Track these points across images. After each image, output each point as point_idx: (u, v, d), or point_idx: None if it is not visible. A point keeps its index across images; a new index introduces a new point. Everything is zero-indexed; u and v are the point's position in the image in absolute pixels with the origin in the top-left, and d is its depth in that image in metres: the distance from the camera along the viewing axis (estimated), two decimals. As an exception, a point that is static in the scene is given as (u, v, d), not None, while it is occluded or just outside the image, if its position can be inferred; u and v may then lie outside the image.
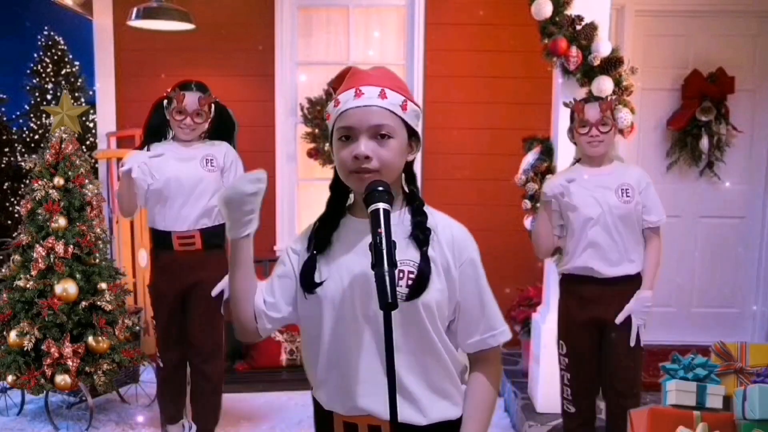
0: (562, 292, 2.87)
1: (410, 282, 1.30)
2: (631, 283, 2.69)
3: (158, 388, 3.27)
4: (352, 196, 1.42)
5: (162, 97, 2.91)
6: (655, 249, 2.69)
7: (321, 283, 1.34)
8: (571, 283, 2.79)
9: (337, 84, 1.39)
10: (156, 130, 2.96)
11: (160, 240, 2.93)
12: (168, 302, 3.00)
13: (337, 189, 1.42)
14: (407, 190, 1.42)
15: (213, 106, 2.96)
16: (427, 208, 1.40)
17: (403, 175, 1.40)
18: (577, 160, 2.83)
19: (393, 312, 1.19)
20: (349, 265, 1.34)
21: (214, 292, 2.83)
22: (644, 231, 2.70)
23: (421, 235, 1.34)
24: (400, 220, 1.37)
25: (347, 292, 1.33)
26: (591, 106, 2.63)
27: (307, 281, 1.35)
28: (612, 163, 2.73)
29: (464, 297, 1.37)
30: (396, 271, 1.19)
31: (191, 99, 2.82)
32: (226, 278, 2.61)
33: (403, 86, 1.37)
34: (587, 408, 2.85)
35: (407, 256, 1.32)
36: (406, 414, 1.32)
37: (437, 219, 1.39)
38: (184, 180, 2.86)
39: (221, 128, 3.04)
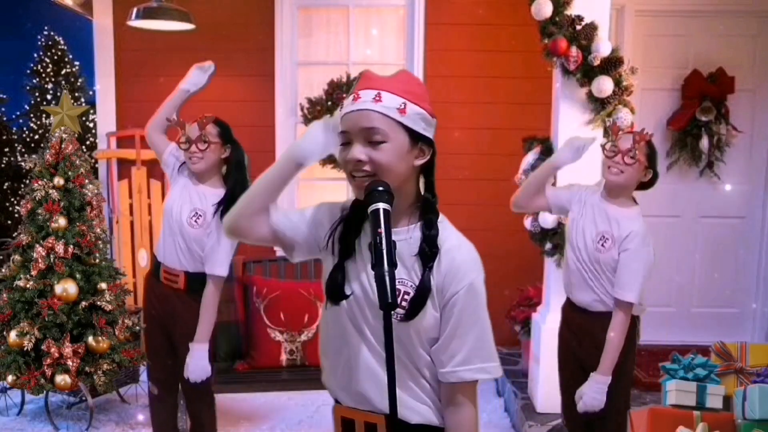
0: (561, 320, 2.81)
1: (405, 303, 1.30)
2: (598, 319, 2.57)
3: (151, 416, 3.13)
4: None
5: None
6: (617, 326, 2.44)
7: (349, 296, 1.34)
8: (566, 308, 2.74)
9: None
10: None
11: (154, 266, 2.91)
12: (157, 330, 2.94)
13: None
14: (421, 200, 1.38)
15: (228, 146, 2.84)
16: (442, 224, 1.35)
17: (415, 182, 1.39)
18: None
19: (375, 326, 1.25)
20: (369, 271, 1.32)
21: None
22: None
23: (428, 251, 1.30)
24: (409, 236, 1.33)
25: (362, 294, 1.34)
26: (626, 136, 2.56)
27: (336, 292, 1.35)
28: (624, 208, 2.55)
29: (448, 323, 1.32)
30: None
31: (191, 127, 2.76)
32: None
33: (412, 90, 1.34)
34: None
35: (405, 275, 1.31)
36: (401, 412, 1.33)
37: (445, 237, 1.34)
38: (173, 223, 2.78)
39: (236, 165, 2.89)
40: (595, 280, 2.56)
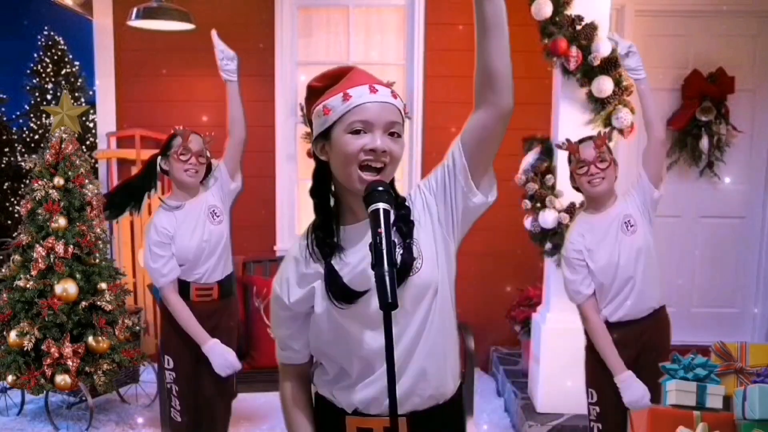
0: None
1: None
2: (659, 314, 2.62)
3: (164, 418, 3.13)
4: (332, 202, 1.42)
5: (156, 155, 2.86)
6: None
7: (365, 292, 1.31)
8: (613, 332, 2.62)
9: (325, 81, 1.39)
10: (138, 189, 2.89)
11: (179, 287, 2.85)
12: (187, 354, 2.86)
13: (322, 194, 1.41)
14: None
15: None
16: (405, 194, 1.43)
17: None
18: (581, 205, 2.71)
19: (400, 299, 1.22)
20: (366, 269, 1.31)
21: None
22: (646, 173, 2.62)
23: (404, 227, 1.35)
24: None
25: (372, 296, 1.30)
26: (585, 145, 2.56)
27: (345, 292, 1.32)
28: (616, 202, 2.61)
29: (449, 165, 1.37)
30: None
31: (196, 139, 2.83)
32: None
33: None
34: None
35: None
36: (441, 391, 1.38)
37: (412, 198, 1.41)
38: (197, 246, 2.82)
39: None
40: (638, 282, 2.55)
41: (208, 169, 2.92)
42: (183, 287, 2.85)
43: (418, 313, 1.35)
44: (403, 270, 1.31)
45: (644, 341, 2.60)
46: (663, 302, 2.64)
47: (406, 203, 1.39)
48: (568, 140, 2.66)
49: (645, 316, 2.60)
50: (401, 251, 1.32)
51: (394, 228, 1.34)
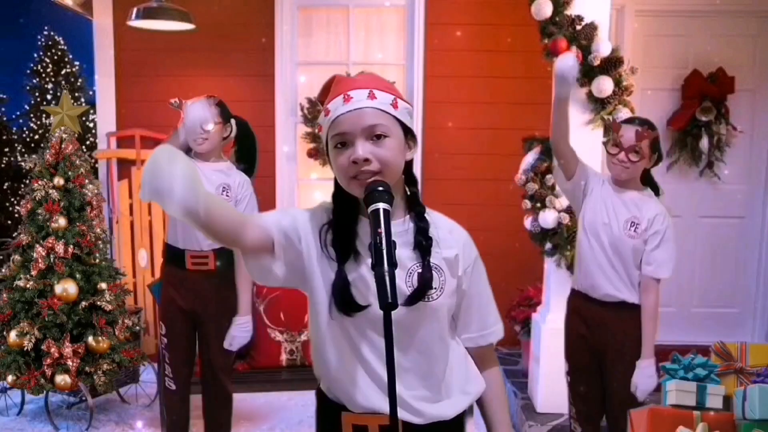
0: (567, 311, 2.74)
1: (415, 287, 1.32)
2: (632, 311, 2.54)
3: (167, 411, 3.13)
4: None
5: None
6: (650, 305, 2.48)
7: (366, 307, 1.29)
8: (576, 299, 2.67)
9: (324, 96, 1.37)
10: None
11: (174, 257, 2.88)
12: (180, 321, 2.93)
13: (342, 197, 1.36)
14: (408, 193, 1.39)
15: (234, 122, 2.92)
16: (429, 213, 1.39)
17: (403, 176, 1.37)
18: None
19: (400, 316, 1.22)
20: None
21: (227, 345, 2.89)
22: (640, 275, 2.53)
23: (424, 242, 1.33)
24: (405, 229, 1.35)
25: (372, 297, 1.29)
26: (628, 128, 2.47)
27: (347, 302, 1.30)
28: (639, 192, 2.56)
29: (470, 294, 1.41)
30: (397, 272, 1.18)
31: (195, 107, 2.78)
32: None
33: (390, 86, 1.34)
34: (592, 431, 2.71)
35: (414, 259, 1.33)
36: (405, 414, 1.35)
37: (442, 223, 1.40)
38: None
39: (245, 146, 3.02)
40: (612, 269, 2.52)
41: (245, 134, 2.98)
42: (179, 254, 2.85)
43: (428, 336, 1.35)
44: (423, 287, 1.31)
45: (608, 338, 2.56)
46: (632, 300, 2.53)
47: (426, 216, 1.37)
48: (614, 118, 2.67)
49: (602, 301, 2.56)
50: (420, 269, 1.32)
51: (416, 245, 1.33)
